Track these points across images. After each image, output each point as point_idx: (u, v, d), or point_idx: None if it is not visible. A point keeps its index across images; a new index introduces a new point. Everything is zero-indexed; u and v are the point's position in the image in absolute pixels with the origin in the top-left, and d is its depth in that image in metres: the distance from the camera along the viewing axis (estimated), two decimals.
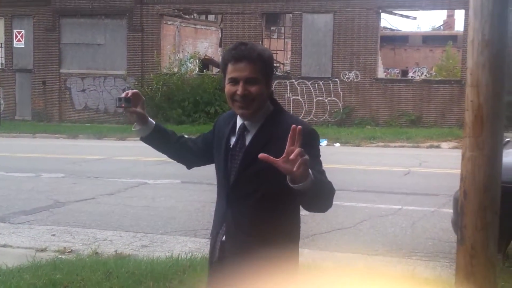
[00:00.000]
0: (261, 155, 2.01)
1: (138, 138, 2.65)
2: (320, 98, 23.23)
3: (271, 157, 2.01)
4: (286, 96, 23.33)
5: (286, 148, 2.00)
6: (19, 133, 21.90)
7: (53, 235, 7.03)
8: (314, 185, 2.07)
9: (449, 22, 49.02)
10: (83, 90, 26.32)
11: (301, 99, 23.39)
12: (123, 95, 2.51)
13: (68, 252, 6.21)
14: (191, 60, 26.08)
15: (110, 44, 25.99)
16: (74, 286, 4.75)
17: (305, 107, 23.31)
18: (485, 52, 4.61)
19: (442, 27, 49.80)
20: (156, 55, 24.89)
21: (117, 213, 8.25)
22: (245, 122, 2.40)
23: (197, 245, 6.51)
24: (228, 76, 2.35)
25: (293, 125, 2.00)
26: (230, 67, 2.34)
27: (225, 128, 2.50)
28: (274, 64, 2.41)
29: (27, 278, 4.97)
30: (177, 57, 25.85)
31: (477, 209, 4.66)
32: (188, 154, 2.70)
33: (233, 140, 2.45)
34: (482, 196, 4.64)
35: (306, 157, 1.98)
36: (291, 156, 1.97)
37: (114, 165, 13.50)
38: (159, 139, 2.64)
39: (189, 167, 2.80)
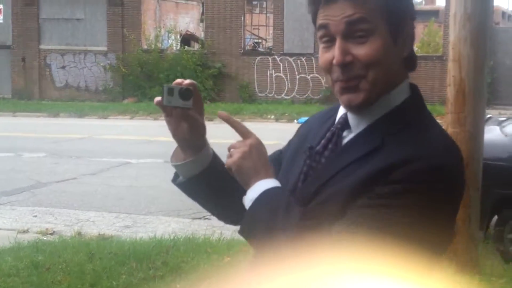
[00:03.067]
0: None
1: (172, 181, 1.43)
2: (303, 75, 23.07)
3: None
4: (268, 73, 23.15)
5: None
6: None
7: (35, 216, 6.96)
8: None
9: None
10: (63, 67, 25.90)
11: (283, 76, 23.21)
12: (174, 83, 1.31)
13: (50, 234, 6.18)
14: (169, 35, 25.70)
15: (90, 19, 25.52)
16: (56, 268, 4.70)
17: (288, 84, 23.17)
18: (467, 25, 4.61)
19: (424, 2, 49.71)
20: (126, 32, 24.13)
21: (99, 193, 8.19)
22: (348, 114, 1.31)
23: (180, 225, 6.51)
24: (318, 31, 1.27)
25: None
26: (321, 13, 1.24)
27: (316, 130, 1.41)
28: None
29: (9, 260, 4.93)
30: (157, 33, 25.46)
31: None
32: None
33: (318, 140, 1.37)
34: None
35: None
36: None
37: (96, 144, 13.37)
38: (215, 180, 1.40)
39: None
